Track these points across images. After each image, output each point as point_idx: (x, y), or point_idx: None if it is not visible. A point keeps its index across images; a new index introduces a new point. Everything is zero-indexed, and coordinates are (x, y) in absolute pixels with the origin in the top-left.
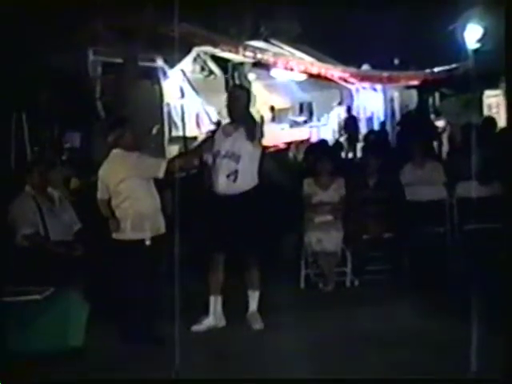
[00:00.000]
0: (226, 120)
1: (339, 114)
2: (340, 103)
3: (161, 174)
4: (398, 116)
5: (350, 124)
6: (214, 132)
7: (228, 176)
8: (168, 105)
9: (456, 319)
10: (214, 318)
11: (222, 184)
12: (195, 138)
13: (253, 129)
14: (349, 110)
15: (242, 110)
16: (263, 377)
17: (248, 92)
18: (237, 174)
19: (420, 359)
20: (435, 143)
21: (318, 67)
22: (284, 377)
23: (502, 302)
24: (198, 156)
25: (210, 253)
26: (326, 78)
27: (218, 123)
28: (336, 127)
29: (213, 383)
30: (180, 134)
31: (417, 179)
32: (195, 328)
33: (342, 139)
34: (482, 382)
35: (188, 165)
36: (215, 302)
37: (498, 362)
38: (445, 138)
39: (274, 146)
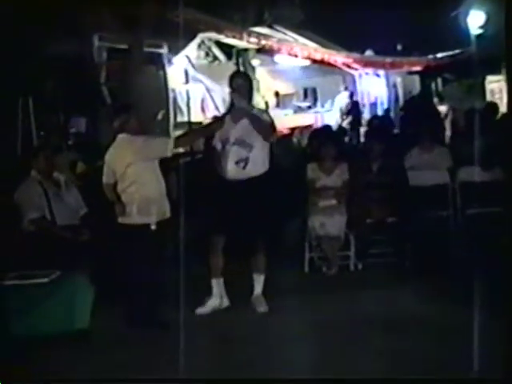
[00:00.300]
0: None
1: (344, 99)
2: (346, 88)
3: (168, 153)
4: (400, 101)
5: (354, 109)
6: (223, 115)
7: (237, 163)
8: (173, 90)
9: (458, 303)
10: (217, 298)
11: (231, 170)
12: (200, 124)
13: (260, 119)
14: (353, 95)
15: (245, 97)
16: (266, 360)
17: (250, 78)
18: (247, 161)
19: (421, 342)
20: (439, 128)
21: (321, 53)
22: (286, 360)
23: (503, 286)
24: (204, 135)
25: (214, 237)
26: (329, 64)
27: (230, 106)
28: (340, 112)
29: (215, 383)
30: (185, 119)
31: (424, 163)
32: (199, 311)
33: (345, 124)
34: (483, 381)
35: (195, 143)
36: (217, 284)
37: (499, 349)
38: (447, 123)
39: (279, 132)
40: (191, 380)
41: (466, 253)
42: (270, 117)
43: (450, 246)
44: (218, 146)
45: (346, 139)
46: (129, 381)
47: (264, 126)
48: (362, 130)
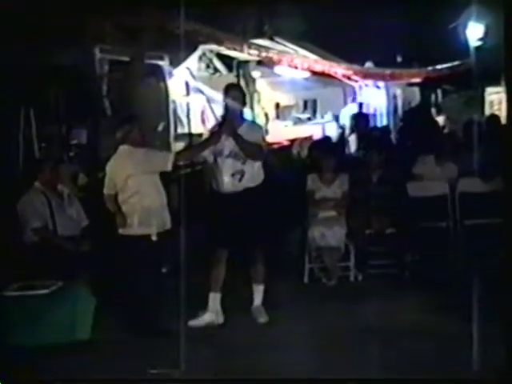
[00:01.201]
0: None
1: (351, 111)
2: (354, 100)
3: (169, 167)
4: (400, 113)
5: (361, 121)
6: (219, 128)
7: (233, 175)
8: (174, 102)
9: (458, 313)
10: (211, 314)
11: (228, 183)
12: (200, 135)
13: (247, 143)
14: (361, 107)
15: (241, 108)
16: (266, 371)
17: (243, 90)
18: (243, 174)
19: (421, 353)
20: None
21: (321, 65)
22: (286, 371)
23: (503, 296)
24: (205, 149)
25: (215, 249)
26: (329, 76)
27: (224, 119)
28: (346, 124)
29: (216, 382)
30: (185, 131)
31: (433, 175)
32: (192, 323)
33: (345, 135)
34: (483, 382)
35: (195, 157)
36: (214, 299)
37: (497, 355)
38: (447, 134)
39: (278, 143)
40: (191, 380)
41: (465, 263)
42: (261, 132)
43: (449, 257)
44: (210, 159)
45: (346, 150)
46: (130, 381)
47: (251, 149)
48: (363, 141)
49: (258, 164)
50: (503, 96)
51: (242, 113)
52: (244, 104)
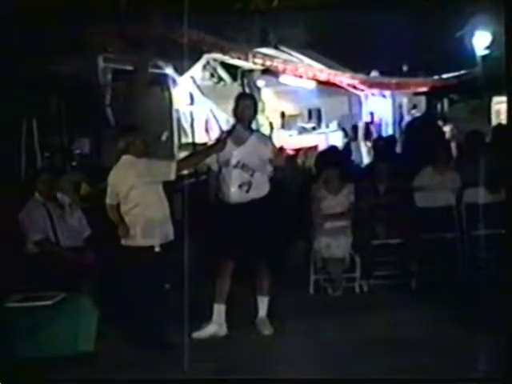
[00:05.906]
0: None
1: (359, 121)
2: (359, 109)
3: (172, 176)
4: (406, 122)
5: (363, 130)
6: (226, 136)
7: (240, 186)
8: (177, 111)
9: (465, 324)
10: (215, 326)
11: (234, 193)
12: (205, 145)
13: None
14: (363, 116)
15: (251, 119)
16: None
17: (255, 100)
18: (250, 185)
19: (427, 364)
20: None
21: (326, 74)
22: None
23: (508, 304)
24: (208, 156)
25: (219, 260)
26: (334, 85)
27: (233, 127)
28: (351, 133)
29: (218, 383)
30: (189, 140)
31: (435, 185)
32: (196, 335)
33: (351, 145)
34: (483, 382)
35: (200, 165)
36: (219, 311)
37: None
38: (453, 144)
39: (283, 153)
40: (192, 380)
41: (471, 274)
42: (271, 143)
43: (455, 268)
44: (215, 168)
45: (352, 160)
46: (130, 381)
47: (274, 151)
48: (368, 150)
49: (264, 176)
50: None
51: (251, 123)
52: (255, 114)
